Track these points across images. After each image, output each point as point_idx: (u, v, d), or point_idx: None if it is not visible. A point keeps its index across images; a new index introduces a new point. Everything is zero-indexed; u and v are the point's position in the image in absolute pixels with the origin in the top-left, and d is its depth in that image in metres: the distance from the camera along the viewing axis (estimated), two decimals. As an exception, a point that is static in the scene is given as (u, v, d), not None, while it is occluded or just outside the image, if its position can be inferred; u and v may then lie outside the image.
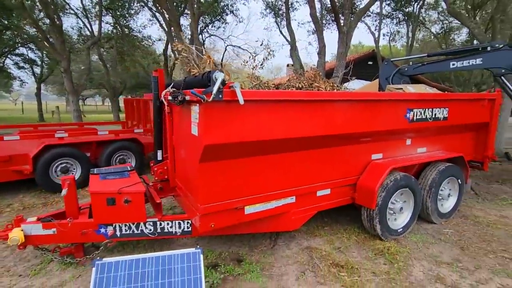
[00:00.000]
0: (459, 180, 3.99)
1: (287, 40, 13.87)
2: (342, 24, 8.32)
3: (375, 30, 16.98)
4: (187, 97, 2.35)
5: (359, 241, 3.40)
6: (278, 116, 2.53)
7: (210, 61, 2.39)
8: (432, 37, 20.39)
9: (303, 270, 2.83)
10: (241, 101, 2.18)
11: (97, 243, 3.10)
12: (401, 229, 3.49)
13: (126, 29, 18.33)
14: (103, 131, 5.90)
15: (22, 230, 2.72)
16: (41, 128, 6.43)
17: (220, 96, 2.17)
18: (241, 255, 3.08)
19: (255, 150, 2.59)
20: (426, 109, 3.59)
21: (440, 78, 20.79)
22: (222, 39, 21.92)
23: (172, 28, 11.04)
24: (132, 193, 2.73)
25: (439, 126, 3.83)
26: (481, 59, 5.06)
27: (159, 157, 3.39)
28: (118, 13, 16.73)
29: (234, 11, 17.63)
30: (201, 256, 2.14)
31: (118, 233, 2.87)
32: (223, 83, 2.12)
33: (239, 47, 22.58)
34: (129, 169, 3.29)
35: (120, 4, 16.13)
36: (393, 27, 18.42)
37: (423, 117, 3.58)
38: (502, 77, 4.91)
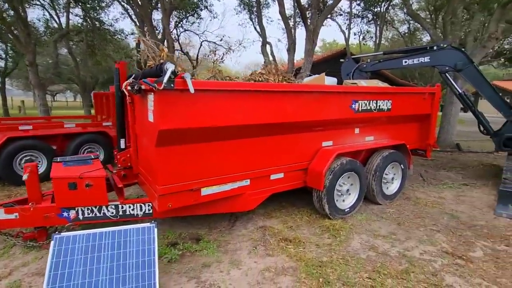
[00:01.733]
0: (402, 166, 4.45)
1: (260, 36, 14.21)
2: (309, 22, 8.69)
3: (346, 29, 17.65)
4: (143, 87, 2.55)
5: (310, 220, 3.75)
6: (229, 105, 2.79)
7: (163, 53, 2.59)
8: (400, 36, 21.40)
9: (255, 245, 3.13)
10: (191, 90, 2.42)
11: (61, 227, 3.24)
12: (348, 209, 3.87)
13: (97, 22, 17.85)
14: (69, 124, 5.90)
15: (-17, 215, 2.82)
16: (5, 122, 6.31)
17: (172, 85, 2.39)
18: (200, 235, 3.33)
19: (209, 136, 2.84)
20: (371, 101, 3.99)
21: (408, 76, 21.94)
22: (197, 34, 21.90)
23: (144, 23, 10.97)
24: (93, 177, 2.89)
25: (383, 117, 4.26)
26: (429, 57, 5.57)
27: (122, 146, 3.56)
28: (88, 5, 16.26)
29: (208, 7, 17.65)
30: (155, 229, 2.37)
31: (80, 216, 3.02)
32: (174, 73, 2.34)
33: (214, 42, 22.69)
34: (92, 157, 3.43)
35: (89, -4, 15.70)
36: (363, 26, 19.24)
37: (368, 108, 3.98)
38: (447, 74, 5.46)
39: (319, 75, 4.02)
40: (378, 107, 4.10)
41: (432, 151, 5.11)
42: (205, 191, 3.02)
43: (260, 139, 3.25)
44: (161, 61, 2.58)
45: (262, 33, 10.68)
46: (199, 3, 17.69)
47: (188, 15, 18.35)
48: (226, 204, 3.28)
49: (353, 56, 7.30)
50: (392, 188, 4.49)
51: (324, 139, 3.84)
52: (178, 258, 2.88)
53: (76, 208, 3.00)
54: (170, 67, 2.28)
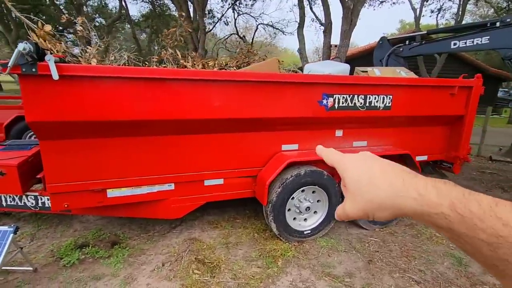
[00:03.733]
0: (402, 182, 3.36)
1: (317, 19, 12.93)
2: (346, -3, 7.41)
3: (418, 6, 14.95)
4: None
5: (259, 239, 3.09)
6: (123, 95, 2.29)
7: (40, 32, 2.21)
8: (493, 12, 17.35)
9: (165, 262, 2.66)
10: (54, 76, 2.00)
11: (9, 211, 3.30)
12: (309, 231, 3.08)
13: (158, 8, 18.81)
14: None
15: None
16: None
17: (34, 70, 2.01)
18: (120, 239, 3.00)
19: (106, 131, 2.41)
20: (355, 95, 3.02)
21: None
22: (254, 17, 21.41)
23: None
24: (5, 165, 2.77)
25: (379, 117, 3.23)
26: (488, 37, 4.17)
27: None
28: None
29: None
30: (12, 234, 2.09)
31: (4, 203, 2.97)
32: (31, 54, 1.94)
33: (272, 25, 21.93)
34: (33, 144, 3.36)
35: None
36: (444, 1, 16.06)
37: (350, 104, 3.03)
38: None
39: (271, 59, 3.17)
40: (368, 104, 3.10)
41: (462, 165, 3.77)
42: (112, 193, 2.64)
43: (185, 138, 2.69)
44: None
45: (301, 14, 9.61)
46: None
47: (241, -4, 17.91)
48: (146, 209, 2.85)
49: (389, 38, 5.92)
50: (385, 210, 3.45)
51: (285, 141, 3.06)
52: (76, 263, 2.60)
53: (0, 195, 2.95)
54: (20, 47, 1.88)
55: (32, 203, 2.96)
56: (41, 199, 2.94)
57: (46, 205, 2.95)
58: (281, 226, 2.94)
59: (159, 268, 2.57)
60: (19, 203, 2.97)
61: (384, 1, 14.99)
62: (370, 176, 0.44)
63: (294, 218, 3.07)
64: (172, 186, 2.82)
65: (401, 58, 5.46)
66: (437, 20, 16.91)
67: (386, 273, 2.61)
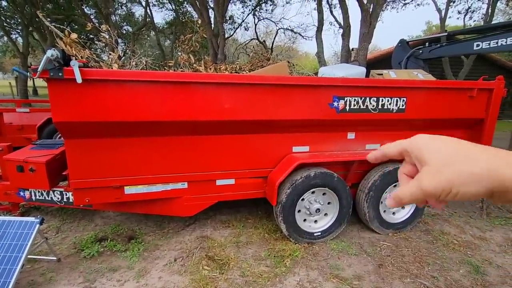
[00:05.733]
0: (417, 187, 3.28)
1: (337, 22, 12.90)
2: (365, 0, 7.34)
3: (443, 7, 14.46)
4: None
5: (269, 239, 3.13)
6: (141, 97, 2.45)
7: (67, 39, 2.40)
8: (527, 13, 16.44)
9: (177, 257, 2.77)
10: (78, 80, 2.18)
11: (38, 205, 3.58)
12: (319, 233, 3.08)
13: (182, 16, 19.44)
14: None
15: (-37, 186, 3.27)
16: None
17: (60, 74, 2.20)
18: (137, 234, 3.15)
19: (122, 131, 2.56)
20: (366, 98, 3.01)
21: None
22: (274, 22, 21.60)
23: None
24: (35, 162, 3.01)
25: (393, 120, 3.19)
26: None
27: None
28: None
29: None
30: (38, 225, 2.28)
31: (33, 197, 3.22)
32: (58, 60, 2.12)
33: (292, 30, 22.01)
34: (61, 143, 3.61)
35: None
36: (472, 2, 15.45)
37: (361, 107, 3.03)
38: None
39: (281, 62, 3.21)
40: (380, 107, 3.08)
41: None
42: (129, 190, 2.79)
43: (199, 138, 2.81)
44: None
45: (319, 17, 9.60)
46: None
47: (261, 1, 18.15)
48: (161, 206, 2.99)
49: (408, 40, 5.80)
50: (399, 215, 3.39)
51: (296, 143, 3.10)
52: (96, 255, 2.77)
53: (30, 189, 3.20)
54: (48, 53, 2.08)
55: (58, 198, 3.18)
56: (66, 194, 3.15)
57: (70, 200, 3.16)
58: (291, 227, 2.97)
59: (171, 263, 2.68)
60: (47, 198, 3.20)
61: (408, 3, 14.64)
62: (463, 147, 0.42)
63: (304, 220, 3.09)
64: (185, 185, 2.93)
65: (421, 60, 5.35)
66: (464, 22, 16.26)
67: (397, 278, 2.57)
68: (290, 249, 2.89)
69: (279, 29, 21.68)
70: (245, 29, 20.40)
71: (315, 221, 3.14)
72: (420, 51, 5.32)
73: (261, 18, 20.29)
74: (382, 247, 3.05)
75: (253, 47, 7.77)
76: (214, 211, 3.63)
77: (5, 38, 16.02)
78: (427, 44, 5.32)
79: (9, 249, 2.15)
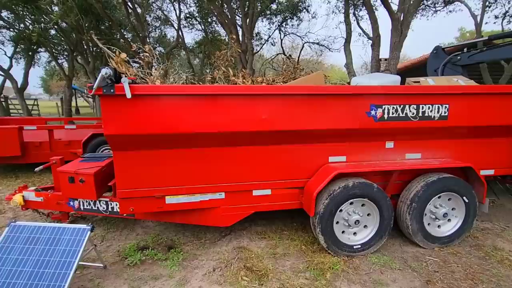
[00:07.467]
0: (464, 198, 3.09)
1: (365, 33, 12.82)
2: (395, 9, 7.24)
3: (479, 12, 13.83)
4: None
5: (306, 251, 3.07)
6: (183, 111, 2.57)
7: (118, 59, 2.60)
8: None
9: (216, 267, 2.79)
10: (128, 95, 2.35)
11: (85, 215, 3.81)
12: (359, 246, 2.97)
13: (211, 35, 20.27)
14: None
15: (22, 196, 3.56)
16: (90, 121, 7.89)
17: (112, 90, 2.38)
18: (176, 244, 3.23)
19: (165, 143, 2.70)
20: (406, 106, 2.94)
21: None
22: (299, 36, 21.82)
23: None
24: (84, 174, 3.22)
25: (435, 128, 3.07)
26: None
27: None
28: (204, 20, 18.68)
29: (307, 8, 17.27)
30: (89, 232, 2.42)
31: (82, 207, 3.43)
32: (110, 77, 2.30)
33: (318, 43, 22.08)
34: (107, 156, 3.84)
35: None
36: (510, 5, 14.62)
37: (401, 115, 2.95)
38: None
39: (317, 72, 3.22)
40: (422, 114, 2.98)
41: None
42: (170, 199, 2.90)
43: (236, 149, 2.88)
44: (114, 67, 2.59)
45: (347, 29, 9.60)
46: (298, 4, 17.60)
47: (287, 18, 18.51)
48: (199, 216, 3.07)
49: (444, 47, 5.60)
50: (446, 228, 3.18)
51: (332, 153, 3.07)
52: (139, 264, 2.87)
53: (79, 199, 3.42)
54: (103, 71, 2.26)
55: (104, 208, 3.36)
56: (111, 204, 3.33)
57: (115, 210, 3.33)
58: (329, 239, 2.90)
59: (210, 273, 2.71)
60: (93, 208, 3.40)
61: (439, 10, 14.21)
62: None
63: (343, 232, 3.01)
64: (222, 195, 2.99)
65: (459, 67, 5.13)
66: (502, 26, 15.38)
67: (448, 295, 2.40)
68: (330, 262, 2.81)
69: (305, 43, 21.84)
70: (272, 44, 20.77)
71: (354, 233, 3.04)
72: (458, 57, 5.12)
73: (287, 33, 20.62)
74: (428, 262, 2.87)
75: (283, 60, 7.89)
76: (249, 222, 3.64)
77: (53, 63, 17.64)
78: (465, 50, 5.11)
79: (63, 254, 2.30)
